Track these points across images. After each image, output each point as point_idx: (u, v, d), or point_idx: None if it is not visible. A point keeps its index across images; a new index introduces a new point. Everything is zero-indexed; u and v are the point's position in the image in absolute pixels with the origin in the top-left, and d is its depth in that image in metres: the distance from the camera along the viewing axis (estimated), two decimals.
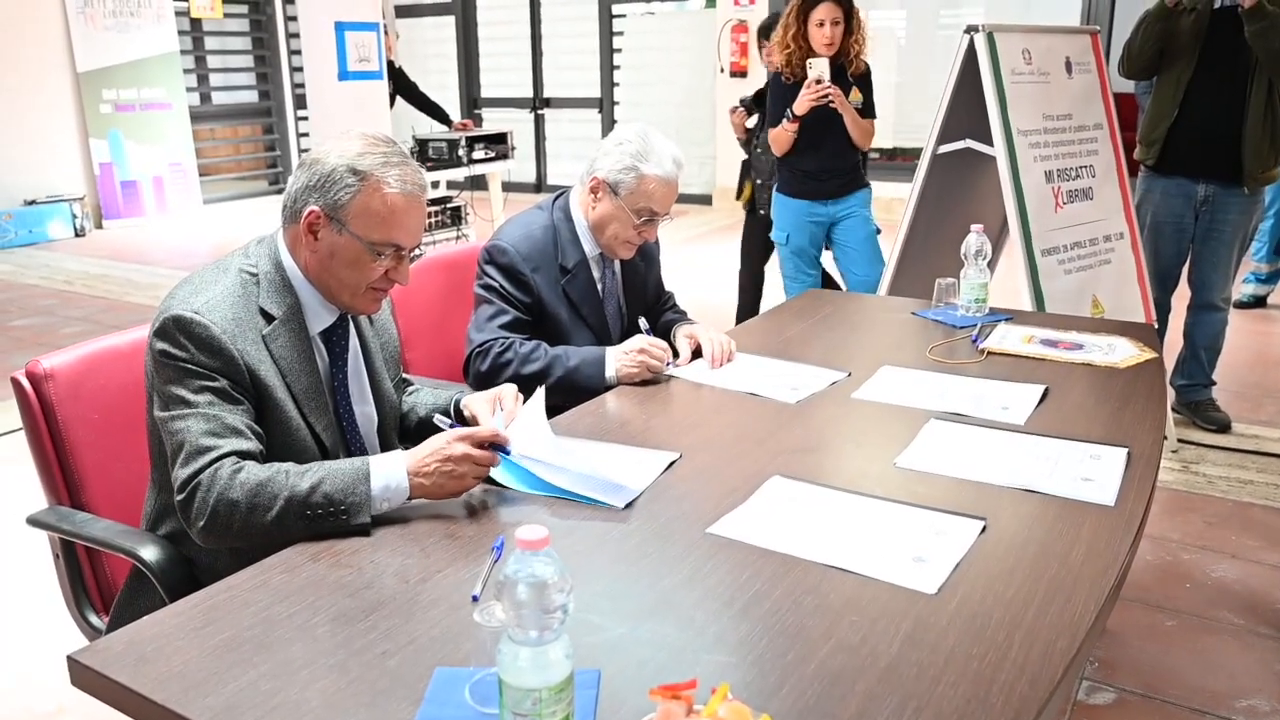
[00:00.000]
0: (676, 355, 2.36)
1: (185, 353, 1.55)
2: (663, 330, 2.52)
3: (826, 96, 3.73)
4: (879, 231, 4.05)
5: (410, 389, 2.03)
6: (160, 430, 1.58)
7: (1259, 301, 5.87)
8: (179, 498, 1.52)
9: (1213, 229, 3.76)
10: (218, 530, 1.50)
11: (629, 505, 1.60)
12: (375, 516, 1.52)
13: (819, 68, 3.72)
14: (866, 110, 3.93)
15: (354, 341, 1.80)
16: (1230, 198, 3.70)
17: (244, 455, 1.54)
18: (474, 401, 1.86)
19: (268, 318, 1.63)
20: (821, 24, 3.79)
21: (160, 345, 1.56)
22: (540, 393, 1.83)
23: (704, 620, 1.27)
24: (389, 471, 1.54)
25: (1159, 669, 2.46)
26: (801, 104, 3.77)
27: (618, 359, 2.23)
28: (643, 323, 2.40)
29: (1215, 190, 3.71)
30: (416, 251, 1.71)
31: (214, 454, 1.51)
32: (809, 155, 3.93)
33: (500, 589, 0.98)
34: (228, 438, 1.53)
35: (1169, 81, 3.68)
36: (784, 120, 3.87)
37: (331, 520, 1.49)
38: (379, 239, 1.63)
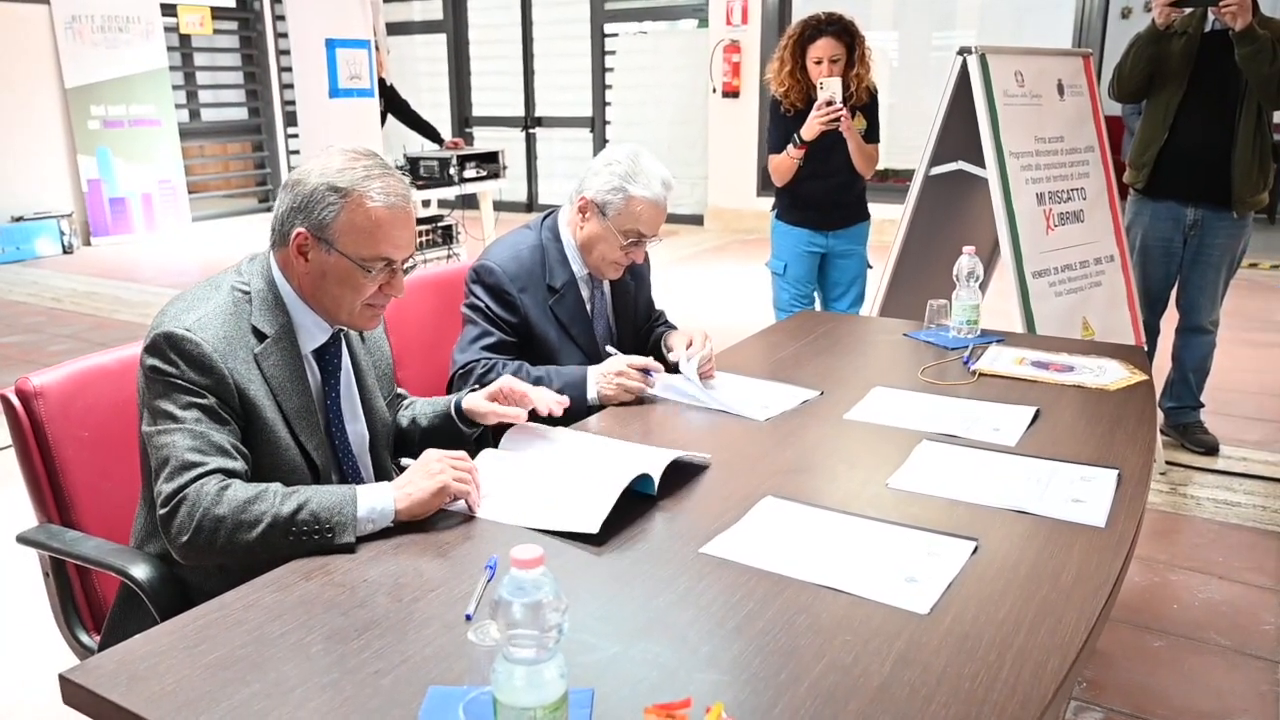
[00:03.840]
0: (665, 366, 2.33)
1: (175, 369, 1.55)
2: (654, 345, 2.51)
3: (838, 120, 3.46)
4: (870, 267, 3.89)
5: (406, 402, 2.04)
6: (146, 444, 1.58)
7: None
8: (161, 511, 1.51)
9: (1201, 253, 3.77)
10: (200, 546, 1.50)
11: (601, 532, 1.55)
12: (361, 537, 1.52)
13: (831, 88, 3.44)
14: (870, 135, 3.68)
15: (346, 360, 1.80)
16: (1219, 222, 3.71)
17: (229, 474, 1.54)
18: (475, 399, 1.90)
19: (259, 336, 1.63)
20: (819, 62, 3.52)
21: (150, 361, 1.57)
22: (484, 455, 1.81)
23: (697, 640, 1.27)
24: (376, 496, 1.55)
25: (1147, 689, 2.46)
26: (810, 128, 3.49)
27: (597, 381, 2.23)
28: (610, 349, 2.36)
29: (1204, 214, 3.72)
30: (409, 263, 1.71)
31: (199, 470, 1.51)
32: (812, 183, 3.68)
33: (495, 608, 0.98)
34: (213, 455, 1.53)
35: (1159, 105, 3.69)
36: (789, 147, 3.59)
37: (316, 539, 1.50)
38: (368, 254, 1.63)
